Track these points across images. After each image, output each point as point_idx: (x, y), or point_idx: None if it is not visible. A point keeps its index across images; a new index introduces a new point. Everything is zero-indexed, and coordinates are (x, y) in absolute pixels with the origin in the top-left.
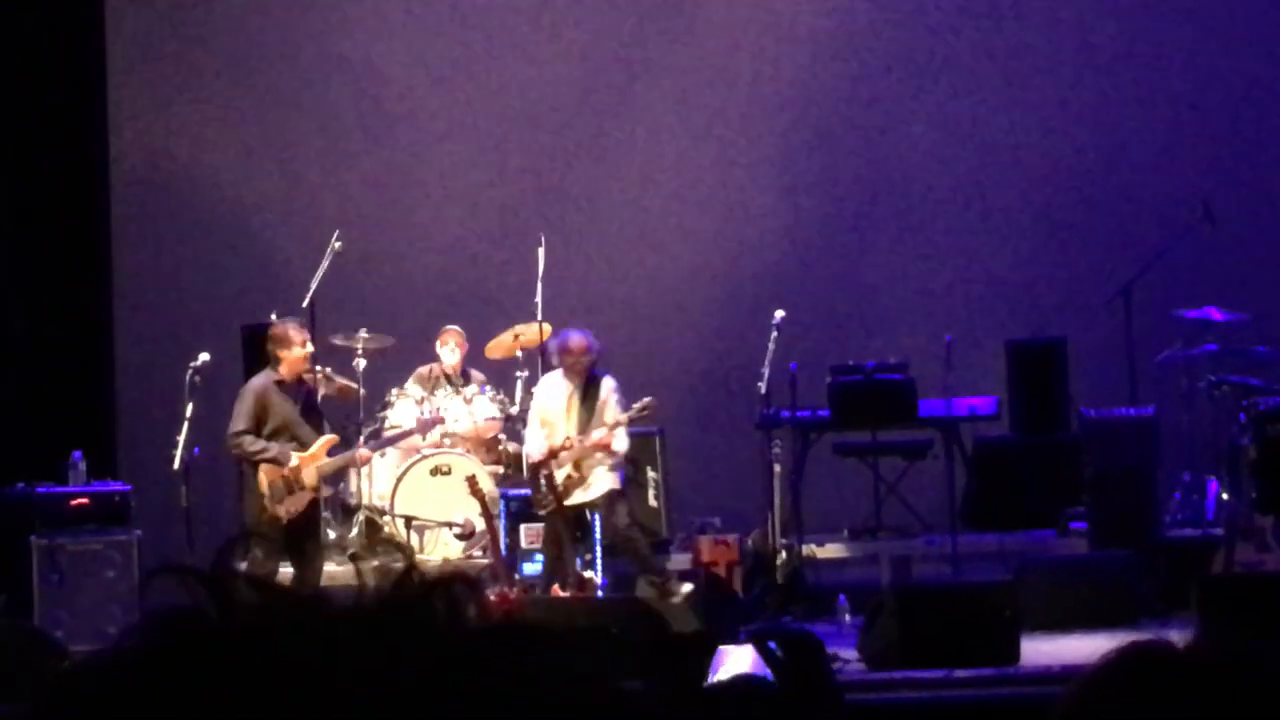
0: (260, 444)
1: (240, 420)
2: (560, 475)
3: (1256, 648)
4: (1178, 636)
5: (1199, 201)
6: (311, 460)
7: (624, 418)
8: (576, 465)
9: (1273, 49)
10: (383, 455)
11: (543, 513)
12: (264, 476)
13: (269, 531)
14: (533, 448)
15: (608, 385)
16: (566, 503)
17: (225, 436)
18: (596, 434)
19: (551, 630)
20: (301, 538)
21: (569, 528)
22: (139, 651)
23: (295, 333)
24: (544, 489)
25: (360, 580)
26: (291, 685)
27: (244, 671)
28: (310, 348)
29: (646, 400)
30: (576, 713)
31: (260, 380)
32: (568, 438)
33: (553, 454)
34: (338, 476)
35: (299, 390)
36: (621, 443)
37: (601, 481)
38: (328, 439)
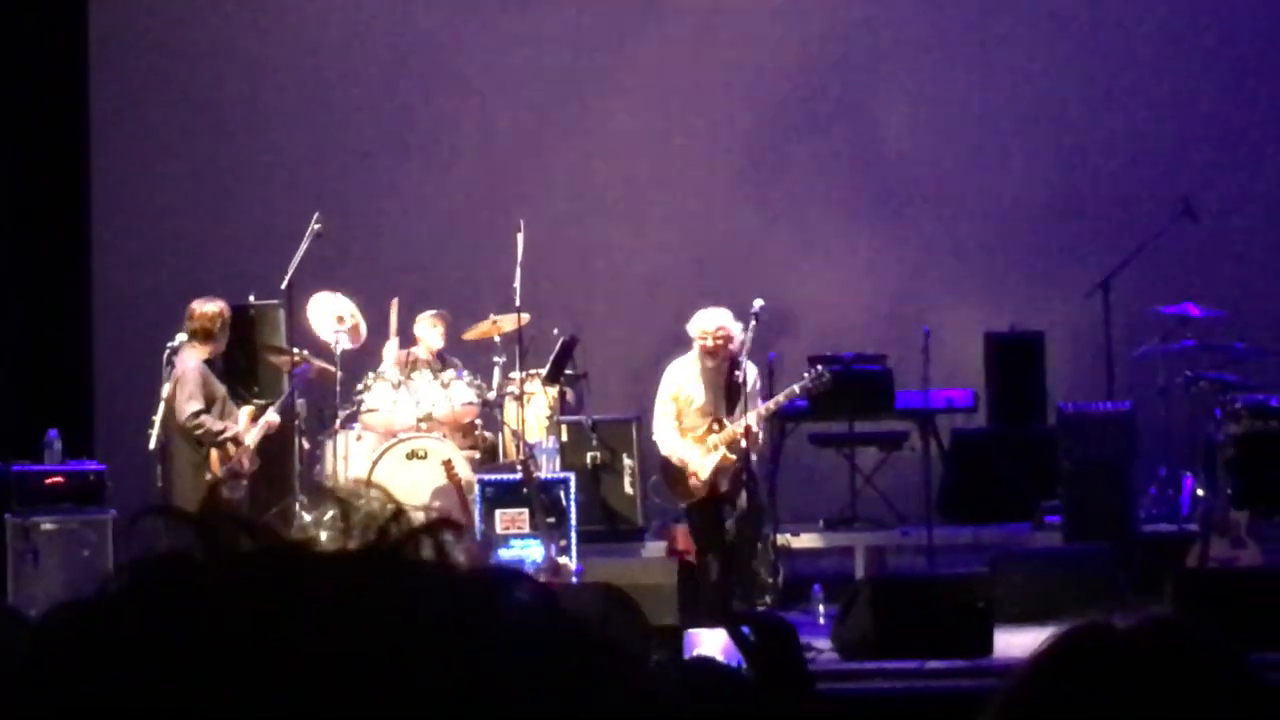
0: (220, 424)
1: (195, 400)
2: (710, 463)
3: (1196, 627)
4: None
5: (1178, 197)
6: (246, 434)
7: (781, 397)
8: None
9: (1252, 45)
10: (359, 438)
11: (684, 505)
12: (216, 460)
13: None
14: (664, 436)
15: (753, 370)
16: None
17: (181, 419)
18: (745, 420)
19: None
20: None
21: (716, 522)
22: (123, 595)
23: (227, 313)
24: (688, 479)
25: (344, 522)
26: (281, 628)
27: (234, 615)
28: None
29: (818, 370)
30: (561, 651)
31: (194, 360)
32: (740, 424)
33: (730, 441)
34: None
35: (239, 372)
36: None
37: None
38: (250, 409)
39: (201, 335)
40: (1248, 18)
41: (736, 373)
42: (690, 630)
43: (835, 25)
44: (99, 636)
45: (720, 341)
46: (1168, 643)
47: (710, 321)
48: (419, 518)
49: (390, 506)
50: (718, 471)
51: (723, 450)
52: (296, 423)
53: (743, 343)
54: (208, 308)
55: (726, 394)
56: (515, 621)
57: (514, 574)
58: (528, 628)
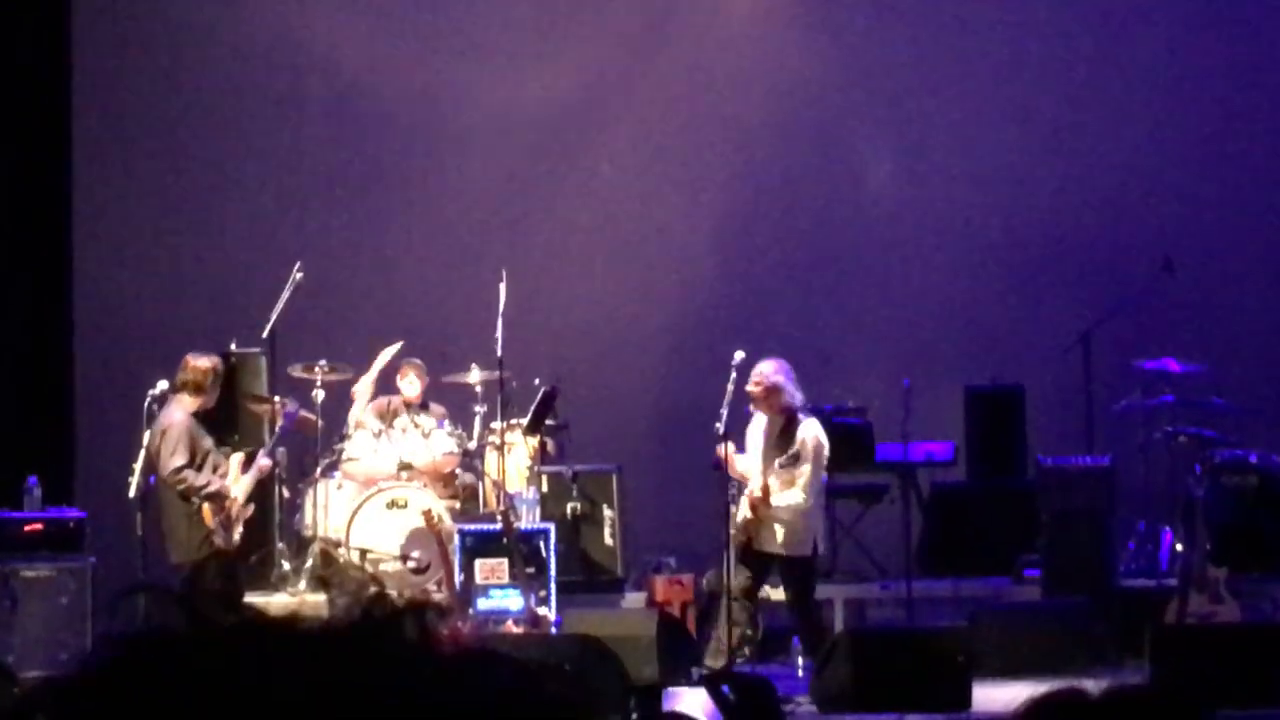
0: (204, 477)
1: (179, 455)
2: (741, 512)
3: (1167, 697)
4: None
5: (1159, 252)
6: (234, 485)
7: (804, 470)
8: (753, 510)
9: (1232, 102)
10: (340, 487)
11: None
12: (209, 511)
13: (212, 565)
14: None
15: (808, 429)
16: (755, 546)
17: (164, 474)
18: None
19: (518, 658)
20: (233, 570)
21: (754, 575)
22: (106, 673)
23: (218, 376)
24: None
25: (330, 604)
26: (264, 704)
27: (217, 690)
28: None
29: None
30: None
31: (181, 414)
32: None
33: (749, 501)
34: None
35: (221, 422)
36: (784, 497)
37: (775, 535)
38: (239, 458)
39: (192, 388)
40: (1228, 75)
41: (791, 428)
42: (670, 688)
43: (818, 79)
44: (83, 714)
45: (757, 389)
46: (1139, 714)
47: (755, 369)
48: (403, 597)
49: (374, 587)
50: (746, 524)
51: (745, 506)
52: (277, 471)
53: (797, 399)
54: (201, 361)
55: (776, 447)
56: (495, 705)
57: (495, 657)
58: (508, 712)
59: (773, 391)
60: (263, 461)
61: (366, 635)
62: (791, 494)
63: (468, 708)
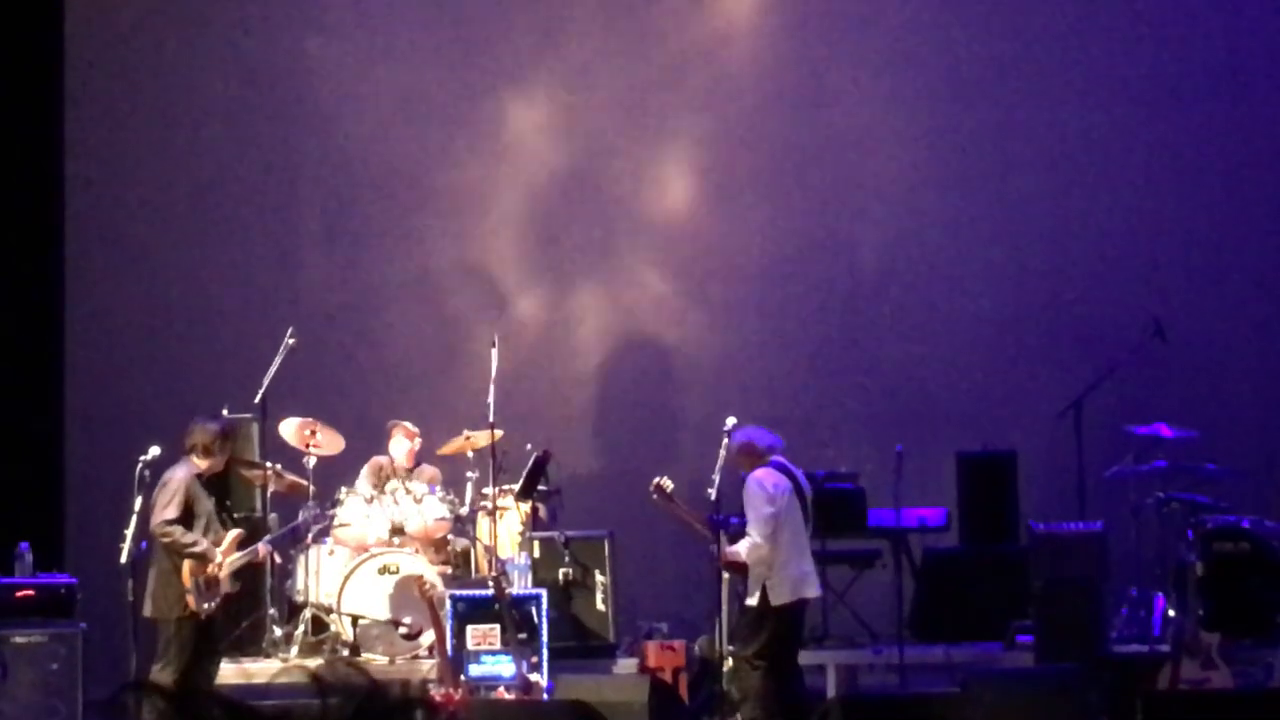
0: (192, 536)
1: (171, 509)
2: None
3: None
4: None
5: (1150, 318)
6: (225, 555)
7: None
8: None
9: (1224, 169)
10: (331, 553)
11: None
12: (188, 570)
13: (184, 627)
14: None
15: (749, 489)
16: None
17: (153, 524)
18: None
19: None
20: (207, 635)
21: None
22: None
23: (226, 440)
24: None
25: (315, 683)
26: None
27: None
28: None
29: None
30: None
31: (184, 471)
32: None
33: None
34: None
35: (212, 485)
36: (738, 548)
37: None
38: (236, 533)
39: (201, 450)
40: (1219, 137)
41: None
42: None
43: (806, 139)
44: None
45: (734, 454)
46: None
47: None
48: (396, 692)
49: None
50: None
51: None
52: (269, 537)
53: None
54: (210, 425)
55: None
56: None
57: None
58: None
59: (747, 454)
60: (263, 547)
61: None
62: (740, 544)
63: None
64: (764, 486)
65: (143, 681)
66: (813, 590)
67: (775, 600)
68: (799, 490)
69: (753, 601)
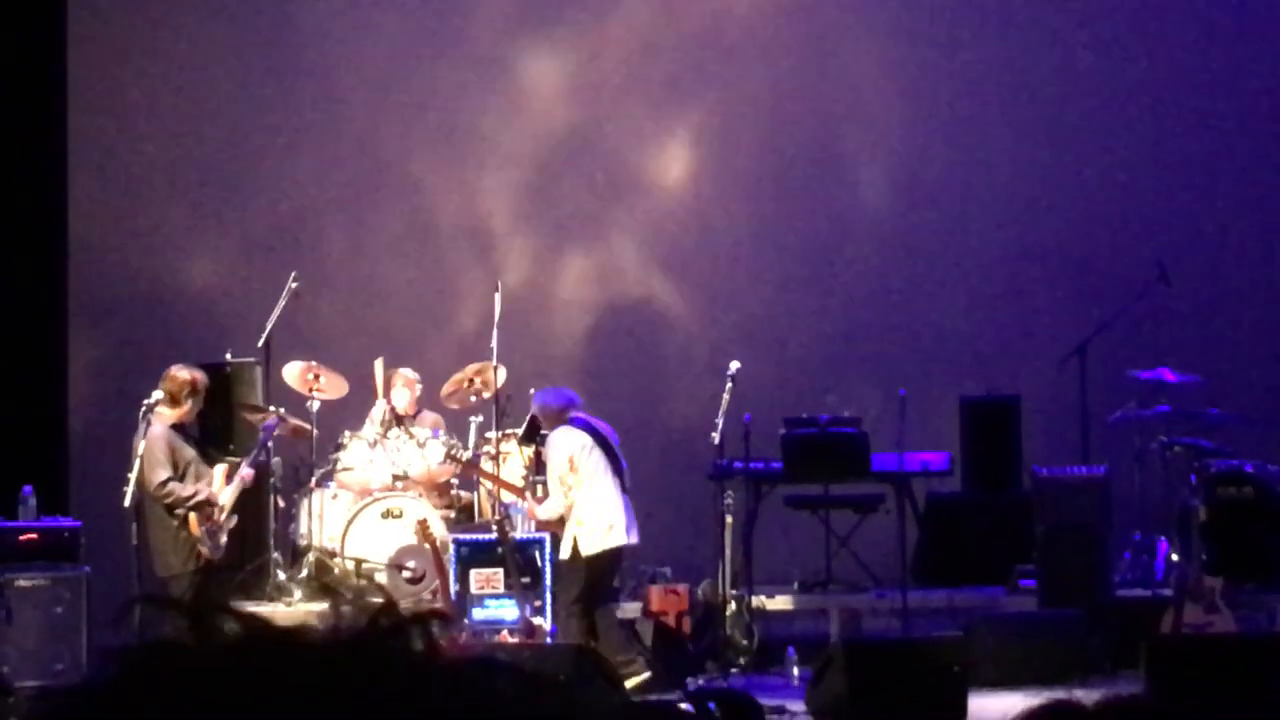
0: (189, 488)
1: (161, 469)
2: None
3: (1161, 704)
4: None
5: (1154, 263)
6: (219, 494)
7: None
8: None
9: (1226, 114)
10: (335, 497)
11: None
12: (194, 522)
13: (199, 577)
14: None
15: (545, 449)
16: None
17: (150, 488)
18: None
19: (516, 666)
20: (217, 581)
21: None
22: (115, 683)
23: (195, 391)
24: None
25: (334, 611)
26: (272, 717)
27: (224, 704)
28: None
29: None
30: None
31: (160, 427)
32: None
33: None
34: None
35: (189, 429)
36: (542, 510)
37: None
38: (223, 469)
39: (168, 399)
40: (1225, 85)
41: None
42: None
43: (811, 88)
44: None
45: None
46: None
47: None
48: (408, 607)
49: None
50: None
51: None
52: (272, 480)
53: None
54: (181, 373)
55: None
56: (497, 712)
57: (496, 664)
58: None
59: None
60: (245, 472)
61: (374, 646)
62: (546, 504)
63: (471, 716)
64: (554, 447)
65: (154, 594)
66: (620, 538)
67: (585, 551)
68: (603, 443)
69: (564, 555)
